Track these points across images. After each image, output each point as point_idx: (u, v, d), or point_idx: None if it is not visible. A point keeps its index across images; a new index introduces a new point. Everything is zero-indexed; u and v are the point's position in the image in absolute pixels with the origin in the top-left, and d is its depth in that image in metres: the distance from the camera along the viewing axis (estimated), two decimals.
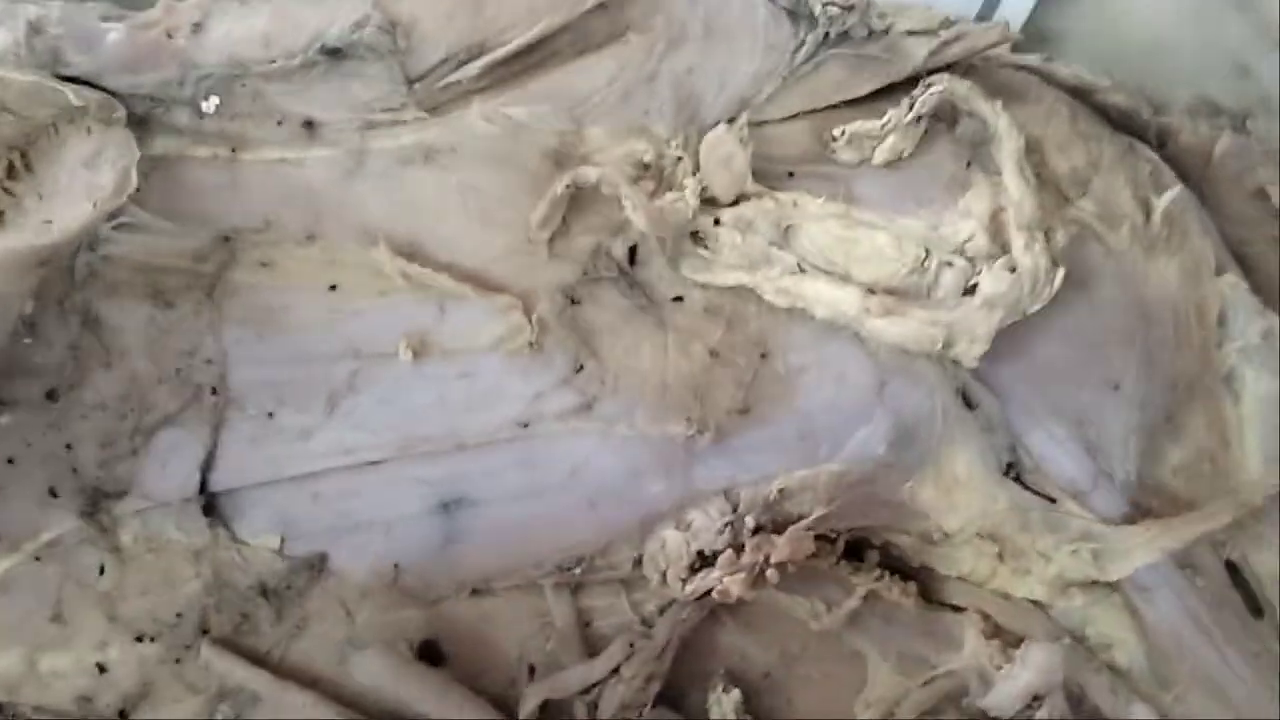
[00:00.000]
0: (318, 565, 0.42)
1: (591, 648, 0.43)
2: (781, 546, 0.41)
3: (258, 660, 0.42)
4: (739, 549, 0.42)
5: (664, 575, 0.42)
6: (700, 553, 0.42)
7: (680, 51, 0.41)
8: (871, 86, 0.43)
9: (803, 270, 0.41)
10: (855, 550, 0.46)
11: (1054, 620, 0.45)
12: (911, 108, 0.41)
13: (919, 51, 0.42)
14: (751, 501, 0.42)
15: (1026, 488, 0.43)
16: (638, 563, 0.43)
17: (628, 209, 0.40)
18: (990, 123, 0.40)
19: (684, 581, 0.41)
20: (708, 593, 0.41)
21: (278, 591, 0.42)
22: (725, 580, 0.41)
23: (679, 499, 0.43)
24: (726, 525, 0.42)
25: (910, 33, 0.42)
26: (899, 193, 0.42)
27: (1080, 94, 0.44)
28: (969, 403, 0.43)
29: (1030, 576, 0.44)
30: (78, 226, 0.37)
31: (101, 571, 0.41)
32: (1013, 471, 0.43)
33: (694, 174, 0.41)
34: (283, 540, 0.42)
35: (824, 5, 0.42)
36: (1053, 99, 0.42)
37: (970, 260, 0.41)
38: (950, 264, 0.41)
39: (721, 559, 0.41)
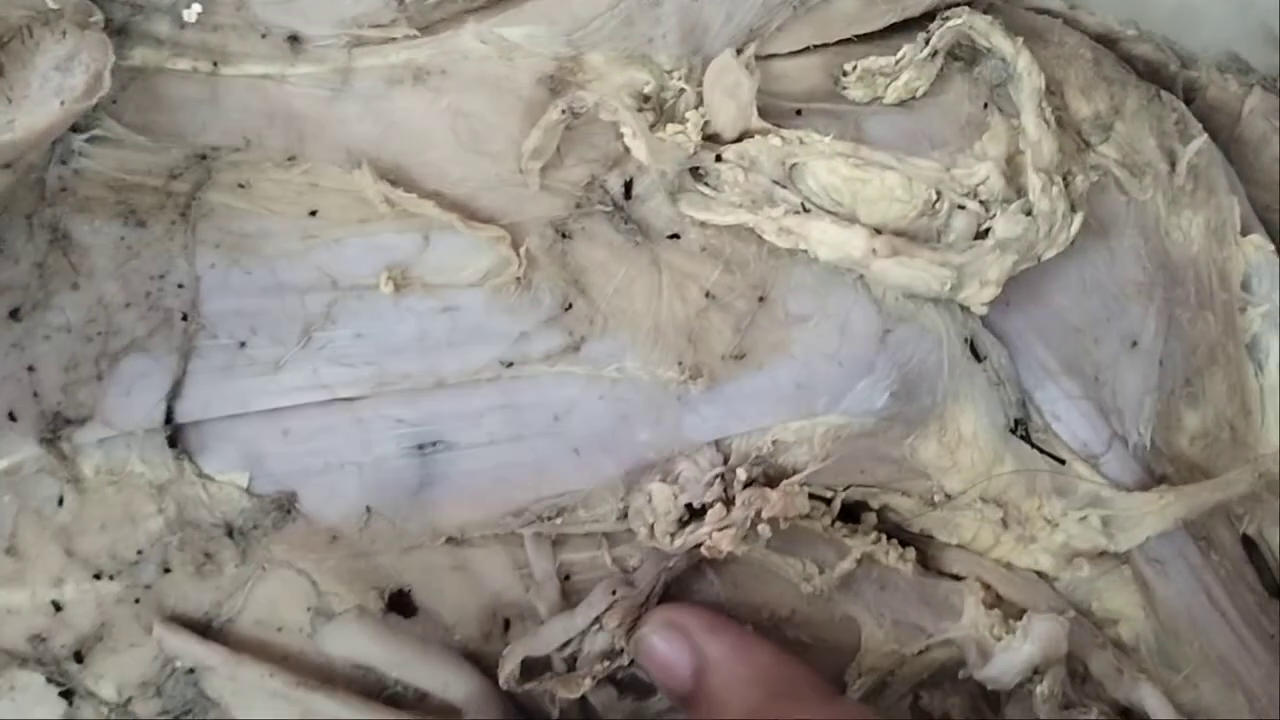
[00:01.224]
0: (286, 505, 0.40)
1: (570, 602, 0.41)
2: (774, 501, 0.39)
3: (215, 612, 0.40)
4: (729, 503, 0.39)
5: (651, 529, 0.40)
6: (689, 506, 0.39)
7: None
8: (886, 21, 0.40)
9: (807, 210, 0.39)
10: (852, 514, 0.44)
11: (1058, 592, 0.42)
12: (927, 42, 0.39)
13: None
14: (743, 453, 0.40)
15: (1035, 447, 0.41)
16: (622, 515, 0.41)
17: (627, 137, 0.38)
18: (1010, 60, 0.38)
19: (672, 536, 0.39)
20: (696, 547, 0.39)
21: (244, 531, 0.40)
22: (715, 535, 0.39)
23: (668, 448, 0.40)
24: (716, 477, 0.40)
25: None
26: (911, 133, 0.40)
27: (1105, 42, 0.41)
28: (977, 354, 0.41)
29: (1035, 545, 0.42)
30: (43, 125, 0.35)
31: (60, 503, 0.39)
32: (1020, 429, 0.41)
33: (697, 107, 0.39)
34: (250, 478, 0.40)
35: None
36: (1076, 42, 0.40)
37: (984, 204, 0.39)
38: (963, 207, 0.39)
39: (711, 513, 0.39)
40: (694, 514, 0.40)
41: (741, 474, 0.40)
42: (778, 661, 0.38)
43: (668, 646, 0.38)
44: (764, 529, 0.39)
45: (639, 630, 0.39)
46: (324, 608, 0.40)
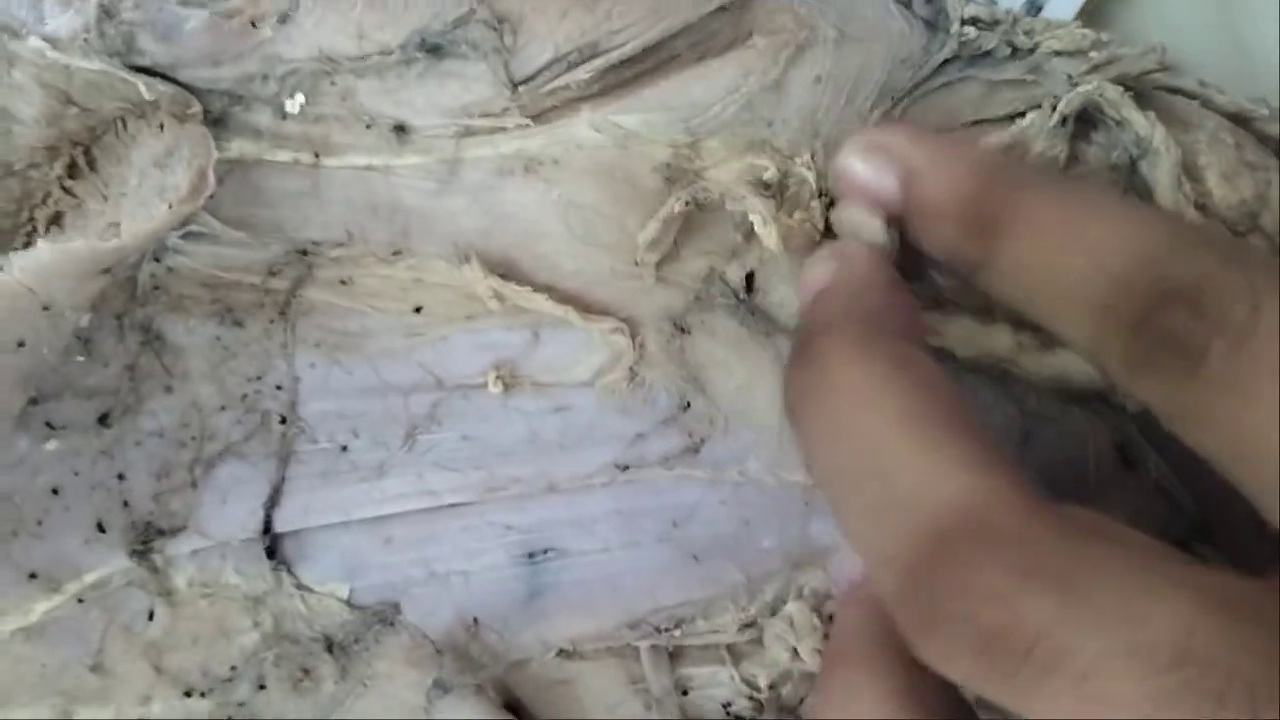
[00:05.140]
0: (389, 618, 0.38)
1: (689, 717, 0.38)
2: None
3: None
4: None
5: (795, 652, 0.37)
6: (830, 618, 0.37)
7: (808, 58, 0.37)
8: (1010, 109, 0.38)
9: (940, 305, 0.37)
10: None
11: None
12: (1054, 109, 0.37)
13: (1066, 75, 0.38)
14: None
15: None
16: (745, 626, 0.38)
17: (757, 225, 0.36)
18: (1144, 134, 0.36)
19: (819, 653, 0.37)
20: None
21: (344, 645, 0.38)
22: None
23: (792, 555, 0.38)
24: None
25: (1057, 53, 0.38)
26: None
27: (1239, 123, 0.40)
28: (1128, 461, 0.38)
29: None
30: (148, 229, 0.33)
31: (150, 618, 0.38)
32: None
33: (819, 195, 0.37)
34: (351, 589, 0.38)
35: (966, 21, 0.38)
36: (1215, 125, 0.38)
37: None
38: None
39: None
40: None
41: None
42: (988, 152, 0.35)
43: (868, 166, 0.34)
44: None
45: (837, 160, 0.34)
46: (444, 681, 0.38)
